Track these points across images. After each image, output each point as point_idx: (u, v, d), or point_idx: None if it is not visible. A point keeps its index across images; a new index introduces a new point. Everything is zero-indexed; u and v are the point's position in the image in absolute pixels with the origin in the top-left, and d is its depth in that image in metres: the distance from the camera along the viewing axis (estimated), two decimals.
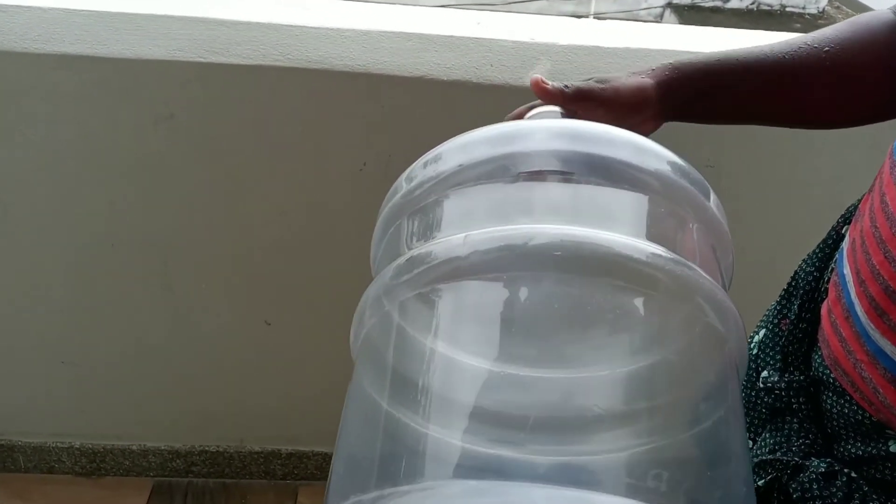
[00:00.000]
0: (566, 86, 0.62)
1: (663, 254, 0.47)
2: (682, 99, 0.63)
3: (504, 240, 0.47)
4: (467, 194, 0.53)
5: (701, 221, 0.54)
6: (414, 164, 0.57)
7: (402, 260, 0.50)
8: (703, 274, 0.48)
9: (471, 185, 0.52)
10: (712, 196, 0.55)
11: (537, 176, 0.51)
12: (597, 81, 0.63)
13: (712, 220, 0.55)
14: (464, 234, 0.47)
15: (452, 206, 0.53)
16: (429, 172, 0.54)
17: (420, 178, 0.54)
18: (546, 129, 0.55)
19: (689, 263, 0.48)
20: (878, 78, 0.62)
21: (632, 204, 0.52)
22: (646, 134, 0.64)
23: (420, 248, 0.50)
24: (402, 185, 0.57)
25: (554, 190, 0.52)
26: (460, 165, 0.53)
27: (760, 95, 0.64)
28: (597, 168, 0.51)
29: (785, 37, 0.67)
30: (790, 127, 0.70)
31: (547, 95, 0.62)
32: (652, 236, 0.50)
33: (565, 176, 0.51)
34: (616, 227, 0.48)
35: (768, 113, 0.66)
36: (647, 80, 0.63)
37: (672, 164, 0.53)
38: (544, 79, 0.62)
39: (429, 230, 0.54)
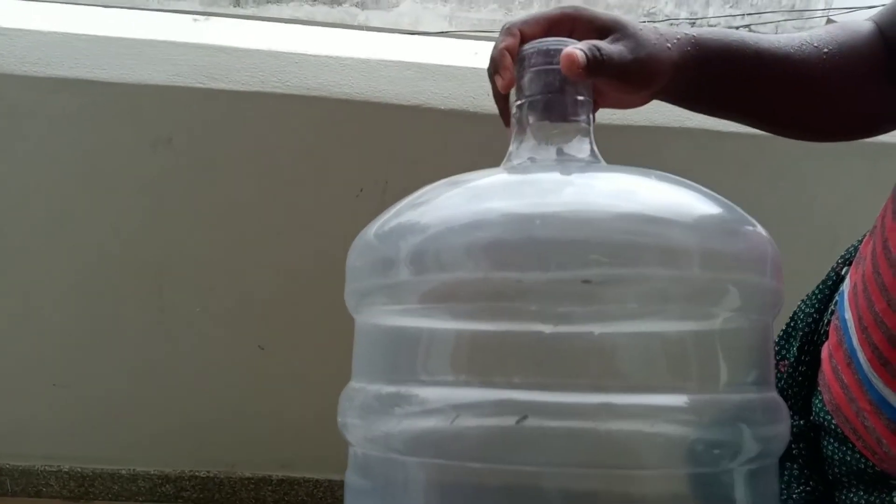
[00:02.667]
0: (603, 60, 0.51)
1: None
2: (689, 80, 0.57)
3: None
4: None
5: (747, 305, 0.45)
6: (390, 230, 0.46)
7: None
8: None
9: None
10: (769, 256, 0.47)
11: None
12: (630, 51, 0.53)
13: (766, 295, 0.46)
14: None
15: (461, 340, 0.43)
16: (408, 268, 0.43)
17: (399, 272, 0.43)
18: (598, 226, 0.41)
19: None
20: (865, 86, 0.61)
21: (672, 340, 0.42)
22: (631, 107, 0.58)
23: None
24: (372, 259, 0.46)
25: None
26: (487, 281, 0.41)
27: (765, 88, 0.60)
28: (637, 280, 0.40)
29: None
30: (781, 130, 0.65)
31: (578, 77, 0.50)
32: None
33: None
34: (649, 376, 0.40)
35: (768, 108, 0.61)
36: (672, 56, 0.55)
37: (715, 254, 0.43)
38: (578, 57, 0.49)
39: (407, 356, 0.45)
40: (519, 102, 0.51)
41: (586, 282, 0.40)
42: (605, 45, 0.52)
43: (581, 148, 0.50)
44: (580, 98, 0.50)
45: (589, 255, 0.40)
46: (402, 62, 1.21)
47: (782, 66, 0.59)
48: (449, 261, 0.42)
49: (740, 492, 0.42)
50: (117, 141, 1.21)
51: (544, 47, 0.51)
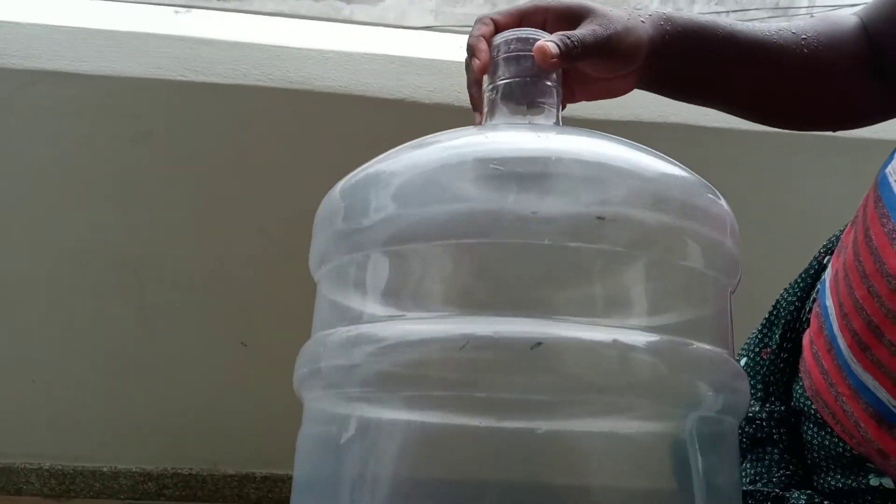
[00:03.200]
0: (575, 46, 0.52)
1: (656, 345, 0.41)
2: (667, 58, 0.58)
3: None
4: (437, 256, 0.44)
5: (709, 262, 0.46)
6: (356, 182, 0.48)
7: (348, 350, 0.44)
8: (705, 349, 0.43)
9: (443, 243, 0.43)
10: (728, 217, 0.48)
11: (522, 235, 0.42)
12: (603, 29, 0.54)
13: (727, 257, 0.47)
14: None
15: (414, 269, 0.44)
16: (390, 209, 0.44)
17: (378, 214, 0.45)
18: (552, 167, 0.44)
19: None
20: (846, 77, 0.61)
21: (635, 274, 0.44)
22: (617, 94, 0.60)
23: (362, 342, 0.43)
24: (339, 210, 0.48)
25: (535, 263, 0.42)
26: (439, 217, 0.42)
27: (741, 68, 0.61)
28: (600, 228, 0.42)
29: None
30: (757, 116, 0.66)
31: (552, 67, 0.52)
32: (653, 311, 0.43)
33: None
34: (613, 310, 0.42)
35: (743, 91, 0.62)
36: (645, 29, 0.57)
37: (674, 197, 0.45)
38: (550, 49, 0.51)
39: (368, 299, 0.46)
40: (492, 86, 0.54)
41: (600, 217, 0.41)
42: (575, 32, 0.54)
43: (549, 123, 0.53)
44: (549, 84, 0.53)
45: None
46: (386, 56, 1.21)
47: (757, 48, 0.60)
48: (413, 201, 0.44)
49: (700, 457, 0.43)
50: (97, 134, 1.20)
51: (516, 35, 0.54)
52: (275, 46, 1.19)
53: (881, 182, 0.53)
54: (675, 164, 0.47)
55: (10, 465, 1.48)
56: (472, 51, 0.55)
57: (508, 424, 0.41)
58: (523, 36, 0.54)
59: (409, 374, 0.42)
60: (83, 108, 1.17)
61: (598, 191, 0.43)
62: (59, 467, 1.49)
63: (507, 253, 0.43)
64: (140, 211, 1.27)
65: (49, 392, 1.42)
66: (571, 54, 0.53)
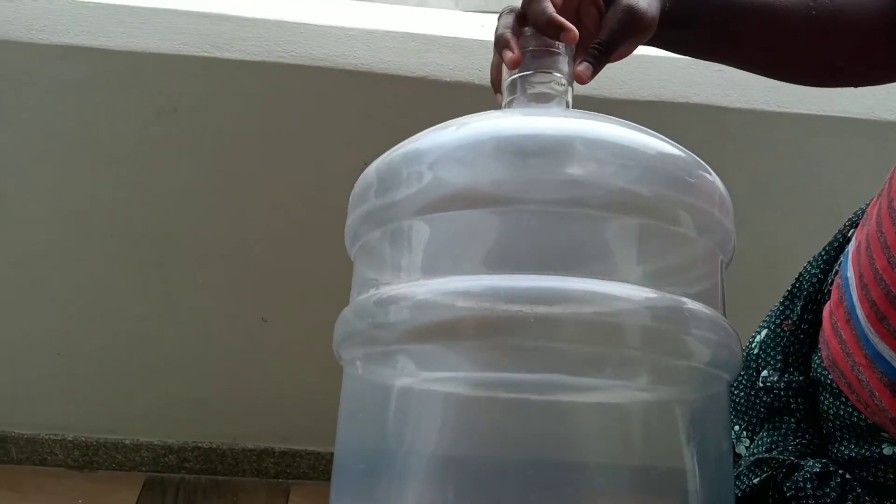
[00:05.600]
0: (600, 52, 0.57)
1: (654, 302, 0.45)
2: (673, 25, 0.60)
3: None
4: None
5: (701, 231, 0.51)
6: (391, 159, 0.52)
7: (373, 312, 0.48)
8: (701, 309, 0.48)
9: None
10: (718, 191, 0.52)
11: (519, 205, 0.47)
12: (626, 10, 0.57)
13: (718, 227, 0.52)
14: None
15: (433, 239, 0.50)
16: (408, 184, 0.49)
17: (400, 190, 0.50)
18: (544, 145, 0.49)
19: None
20: (863, 37, 0.61)
21: (627, 236, 0.49)
22: (626, 54, 0.61)
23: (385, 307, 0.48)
24: (373, 185, 0.52)
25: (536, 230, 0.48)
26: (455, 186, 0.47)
27: (748, 31, 0.62)
28: (604, 197, 0.47)
29: None
30: (771, 74, 0.67)
31: (586, 81, 0.56)
32: (653, 273, 0.48)
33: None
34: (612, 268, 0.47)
35: (752, 52, 0.64)
36: (657, 1, 0.59)
37: (668, 169, 0.50)
38: (584, 73, 0.56)
39: (402, 265, 0.51)
40: (510, 77, 0.58)
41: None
42: (599, 40, 0.57)
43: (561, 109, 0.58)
44: (560, 76, 0.57)
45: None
46: (408, 33, 1.21)
47: (763, 11, 0.61)
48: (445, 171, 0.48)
49: (693, 411, 0.48)
50: (122, 110, 1.21)
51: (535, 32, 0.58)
52: (298, 23, 1.20)
53: None
54: (672, 143, 0.51)
55: (35, 436, 1.50)
56: (504, 43, 0.58)
57: (530, 376, 0.46)
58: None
59: (441, 328, 0.45)
60: (108, 83, 1.19)
61: (605, 165, 0.48)
62: (83, 439, 1.51)
63: (527, 219, 0.48)
64: (163, 186, 1.28)
65: (74, 366, 1.45)
66: (601, 64, 0.57)
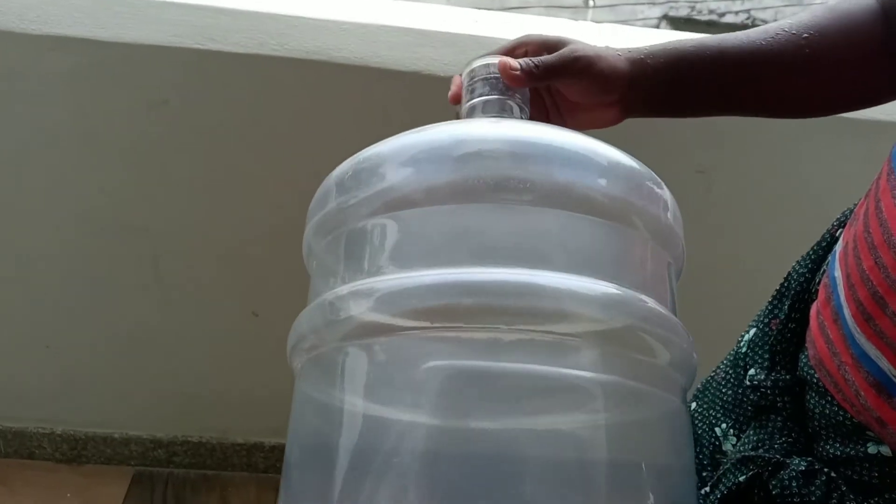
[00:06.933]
0: (536, 66, 0.60)
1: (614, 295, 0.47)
2: (653, 86, 0.61)
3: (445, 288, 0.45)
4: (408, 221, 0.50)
5: (654, 235, 0.53)
6: (348, 165, 0.53)
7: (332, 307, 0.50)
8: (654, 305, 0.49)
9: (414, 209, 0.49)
10: (667, 202, 0.54)
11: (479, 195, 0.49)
12: (570, 51, 0.60)
13: (666, 233, 0.54)
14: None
15: (387, 235, 0.51)
16: (364, 187, 0.51)
17: (355, 193, 0.51)
18: (499, 145, 0.51)
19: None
20: (857, 66, 0.61)
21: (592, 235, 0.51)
22: (606, 124, 0.63)
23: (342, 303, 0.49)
24: (333, 191, 0.53)
25: (502, 223, 0.49)
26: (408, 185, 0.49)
27: (737, 84, 0.62)
28: (552, 193, 0.49)
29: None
30: (766, 116, 0.68)
31: (516, 82, 0.60)
32: (608, 269, 0.49)
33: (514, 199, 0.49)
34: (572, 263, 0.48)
35: (744, 102, 0.64)
36: (622, 60, 0.60)
37: (622, 176, 0.52)
38: (512, 63, 0.59)
39: (363, 263, 0.51)
40: (467, 103, 0.62)
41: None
42: (540, 58, 0.60)
43: None
44: (513, 103, 0.60)
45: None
46: (402, 28, 1.21)
47: (750, 61, 0.61)
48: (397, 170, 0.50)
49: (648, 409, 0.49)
50: (113, 101, 1.21)
51: (486, 61, 0.62)
52: (292, 16, 1.19)
53: (894, 156, 0.54)
54: (628, 156, 0.53)
55: (23, 429, 1.50)
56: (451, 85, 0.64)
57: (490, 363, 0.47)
58: (485, 63, 0.62)
59: (398, 319, 0.46)
60: (100, 75, 1.18)
61: (561, 168, 0.50)
62: (71, 432, 1.51)
63: (485, 215, 0.49)
64: (155, 180, 1.28)
65: (63, 358, 1.44)
66: (533, 73, 0.59)
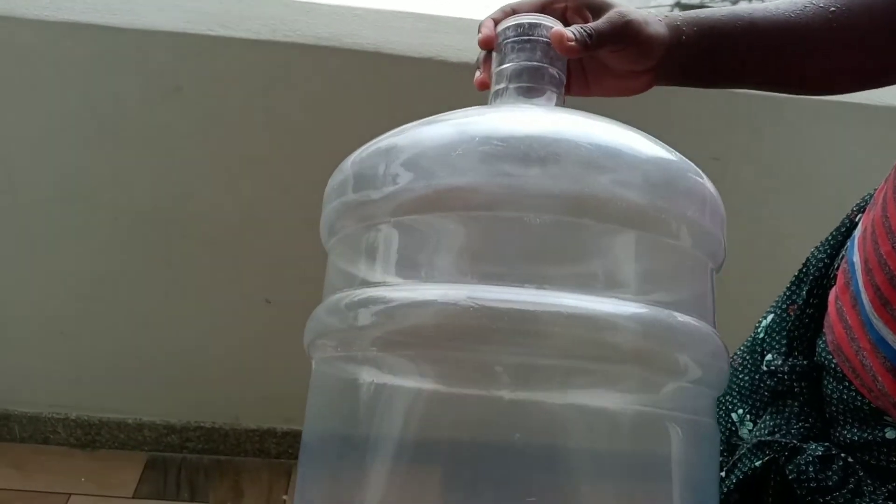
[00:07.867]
0: (590, 36, 0.55)
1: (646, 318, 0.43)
2: (689, 56, 0.58)
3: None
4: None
5: (695, 239, 0.49)
6: (367, 154, 0.50)
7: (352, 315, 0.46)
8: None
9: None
10: (710, 197, 0.50)
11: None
12: (619, 16, 0.56)
13: (710, 237, 0.50)
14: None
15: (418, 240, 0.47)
16: (381, 185, 0.46)
17: (388, 187, 0.46)
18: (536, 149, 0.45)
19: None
20: (876, 41, 0.60)
21: (627, 249, 0.46)
22: (634, 92, 0.61)
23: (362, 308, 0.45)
24: (349, 180, 0.49)
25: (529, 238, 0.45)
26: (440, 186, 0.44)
27: (767, 55, 0.60)
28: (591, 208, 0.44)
29: None
30: (790, 92, 0.66)
31: (570, 53, 0.54)
32: (643, 285, 0.46)
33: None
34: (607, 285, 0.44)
35: (771, 74, 0.62)
36: (662, 26, 0.57)
37: (665, 182, 0.47)
38: (566, 33, 0.53)
39: (381, 266, 0.48)
40: (499, 69, 0.55)
41: None
42: (590, 24, 0.55)
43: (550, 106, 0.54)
44: (553, 72, 0.54)
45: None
46: (415, 14, 1.21)
47: (780, 33, 0.60)
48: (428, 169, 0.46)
49: (679, 429, 0.45)
50: (127, 88, 1.21)
51: (527, 20, 0.54)
52: (305, 3, 1.19)
53: None
54: (666, 148, 0.48)
55: (38, 414, 1.51)
56: (479, 28, 0.57)
57: (505, 394, 0.43)
58: (533, 21, 0.54)
59: (413, 335, 0.43)
60: (113, 60, 1.18)
61: (594, 171, 0.45)
62: (86, 418, 1.52)
63: (507, 226, 0.45)
64: (168, 165, 1.28)
65: (77, 344, 1.45)
66: (587, 43, 0.54)
